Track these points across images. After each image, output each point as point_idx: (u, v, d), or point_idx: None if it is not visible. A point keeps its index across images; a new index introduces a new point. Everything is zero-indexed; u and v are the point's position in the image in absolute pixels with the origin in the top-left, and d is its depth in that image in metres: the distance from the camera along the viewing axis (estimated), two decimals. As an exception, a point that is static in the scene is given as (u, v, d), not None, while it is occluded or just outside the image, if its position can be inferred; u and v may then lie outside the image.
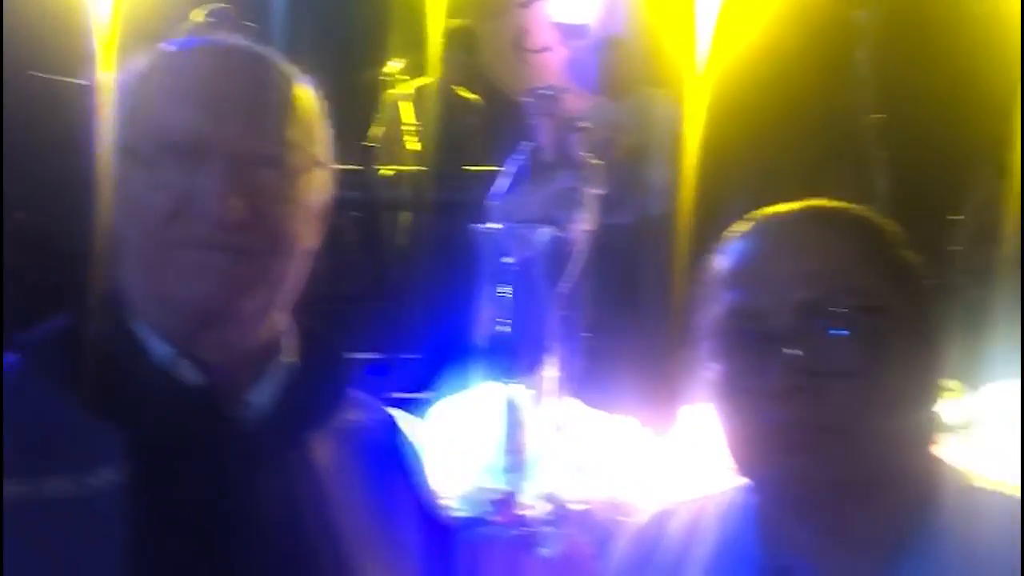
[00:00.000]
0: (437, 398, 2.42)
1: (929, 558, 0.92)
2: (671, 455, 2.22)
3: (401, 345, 3.08)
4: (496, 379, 2.23)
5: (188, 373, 0.94)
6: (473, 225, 2.26)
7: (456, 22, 4.74)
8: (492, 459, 2.16)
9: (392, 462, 1.08)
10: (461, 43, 4.85)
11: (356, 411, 1.07)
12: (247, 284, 0.94)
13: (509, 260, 2.25)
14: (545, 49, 6.58)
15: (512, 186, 2.35)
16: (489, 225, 2.27)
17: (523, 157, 2.38)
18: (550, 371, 2.31)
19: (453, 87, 4.72)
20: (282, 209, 0.95)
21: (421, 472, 1.12)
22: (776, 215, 1.01)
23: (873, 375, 0.90)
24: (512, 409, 2.14)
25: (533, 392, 2.20)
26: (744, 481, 1.00)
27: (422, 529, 1.07)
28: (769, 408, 0.89)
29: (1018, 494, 0.99)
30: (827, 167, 4.85)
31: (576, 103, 4.55)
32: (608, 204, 3.99)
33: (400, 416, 2.06)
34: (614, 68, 4.78)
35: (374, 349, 3.11)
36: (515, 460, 2.12)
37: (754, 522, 0.99)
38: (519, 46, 6.58)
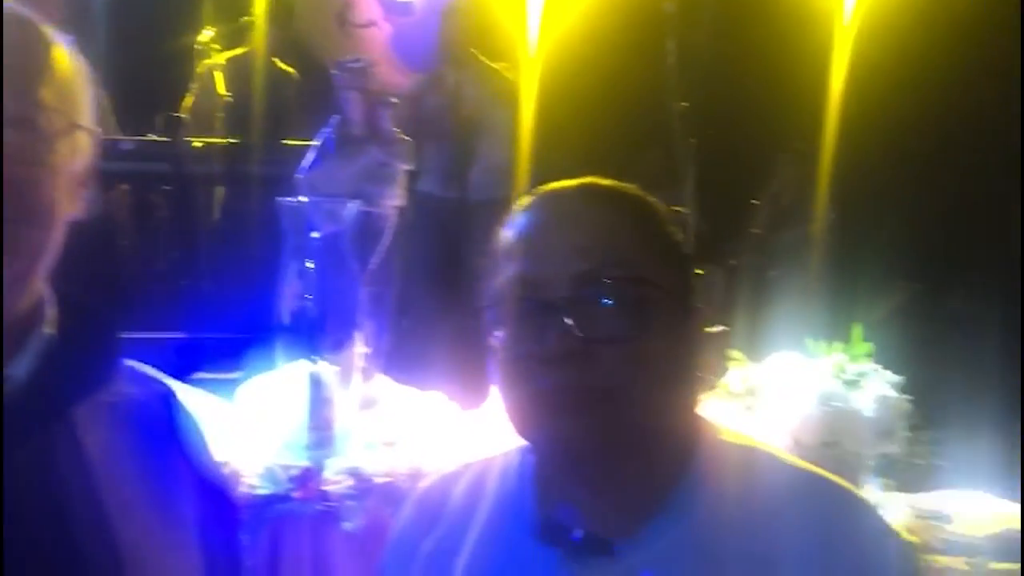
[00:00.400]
0: (245, 377, 2.37)
1: (685, 506, 1.00)
2: (477, 428, 2.26)
3: (210, 324, 2.99)
4: (302, 357, 2.21)
5: None
6: (278, 199, 2.21)
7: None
8: (297, 437, 2.14)
9: (167, 436, 1.06)
10: (279, 15, 4.73)
11: (128, 384, 1.04)
12: None
13: (316, 235, 2.22)
14: (370, 24, 6.50)
15: (319, 160, 2.32)
16: (295, 199, 2.22)
17: (331, 131, 2.35)
18: (358, 347, 2.31)
19: (272, 59, 4.60)
20: (34, 174, 0.91)
21: (201, 446, 1.11)
22: (555, 191, 1.07)
23: (640, 341, 0.96)
24: (317, 386, 2.12)
25: (339, 369, 2.19)
26: (523, 443, 1.04)
27: (201, 503, 1.06)
28: (545, 372, 0.95)
29: (766, 447, 1.09)
30: (644, 152, 5.03)
31: (394, 78, 4.53)
32: (439, 177, 4.00)
33: (194, 393, 2.01)
34: (449, 39, 4.79)
35: (182, 328, 3.01)
36: (320, 437, 2.11)
37: (531, 480, 1.06)
38: (343, 20, 6.46)
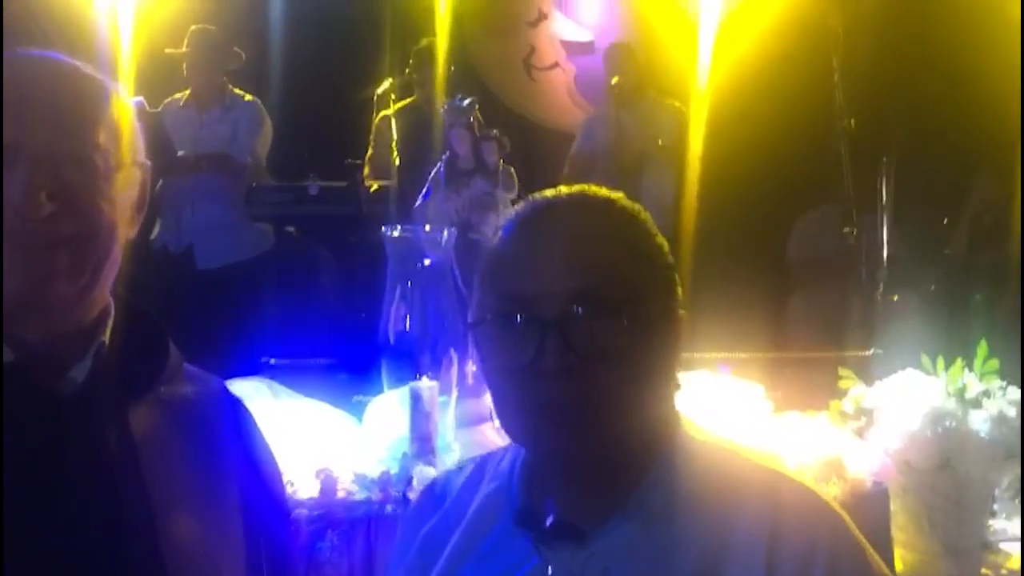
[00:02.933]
0: (367, 399, 2.56)
1: (647, 500, 1.04)
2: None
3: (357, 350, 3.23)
4: (409, 375, 2.37)
5: (7, 353, 1.02)
6: (383, 228, 2.40)
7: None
8: (401, 448, 2.30)
9: (219, 432, 1.15)
10: (460, 64, 5.02)
11: (185, 384, 1.15)
12: (63, 271, 1.03)
13: (427, 262, 2.39)
14: (554, 66, 6.74)
15: (430, 191, 2.51)
16: (398, 228, 2.41)
17: (442, 165, 2.53)
18: (465, 367, 2.44)
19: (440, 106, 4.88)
20: (96, 204, 1.05)
21: (256, 441, 1.20)
22: (546, 203, 1.07)
23: (632, 357, 1.00)
24: (417, 400, 2.27)
25: (439, 384, 2.33)
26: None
27: (250, 499, 1.14)
28: (538, 386, 0.99)
29: (730, 445, 1.10)
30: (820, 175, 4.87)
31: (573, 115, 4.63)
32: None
33: (315, 407, 2.19)
34: (620, 76, 4.92)
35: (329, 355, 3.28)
36: (420, 447, 2.26)
37: (519, 472, 1.12)
38: (528, 65, 6.74)
